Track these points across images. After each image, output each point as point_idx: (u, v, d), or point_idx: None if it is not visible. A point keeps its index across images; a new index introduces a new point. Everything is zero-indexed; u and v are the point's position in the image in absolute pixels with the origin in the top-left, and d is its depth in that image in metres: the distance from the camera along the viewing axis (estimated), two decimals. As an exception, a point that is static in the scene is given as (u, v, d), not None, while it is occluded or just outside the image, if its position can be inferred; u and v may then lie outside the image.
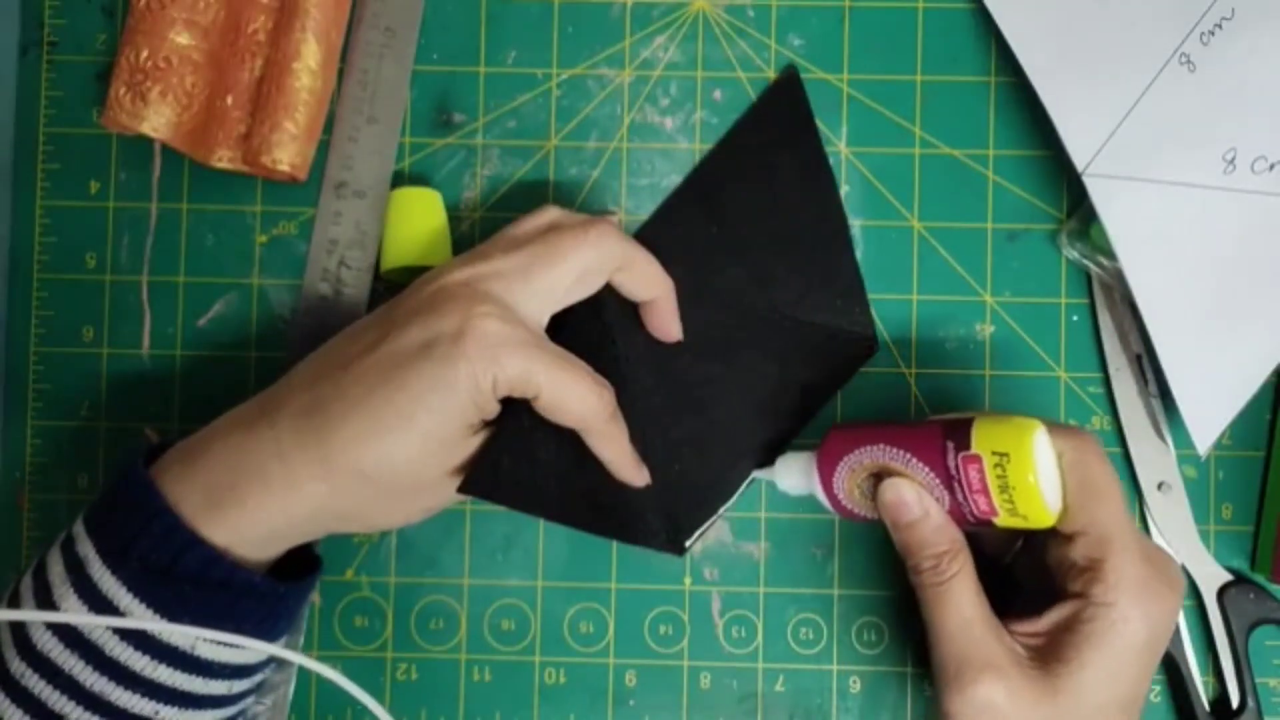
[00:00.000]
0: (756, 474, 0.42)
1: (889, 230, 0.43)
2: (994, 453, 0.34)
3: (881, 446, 0.36)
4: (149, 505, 0.34)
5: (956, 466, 0.34)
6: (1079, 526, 0.34)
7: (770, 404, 0.42)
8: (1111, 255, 0.40)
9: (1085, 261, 0.42)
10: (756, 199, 0.43)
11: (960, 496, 0.35)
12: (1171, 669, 0.42)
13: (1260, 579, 0.42)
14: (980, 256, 0.43)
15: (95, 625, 0.33)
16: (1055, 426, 0.35)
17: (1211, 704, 0.42)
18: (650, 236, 0.43)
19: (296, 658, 0.34)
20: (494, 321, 0.34)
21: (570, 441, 0.37)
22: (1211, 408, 0.40)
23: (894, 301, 0.43)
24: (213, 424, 0.36)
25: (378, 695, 0.43)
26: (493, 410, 0.35)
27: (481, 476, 0.36)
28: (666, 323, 0.40)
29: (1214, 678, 0.42)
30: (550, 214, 0.38)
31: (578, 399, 0.35)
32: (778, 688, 0.43)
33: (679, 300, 0.40)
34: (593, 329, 0.39)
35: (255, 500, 0.34)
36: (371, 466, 0.34)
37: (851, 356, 0.43)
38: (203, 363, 0.43)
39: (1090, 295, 0.43)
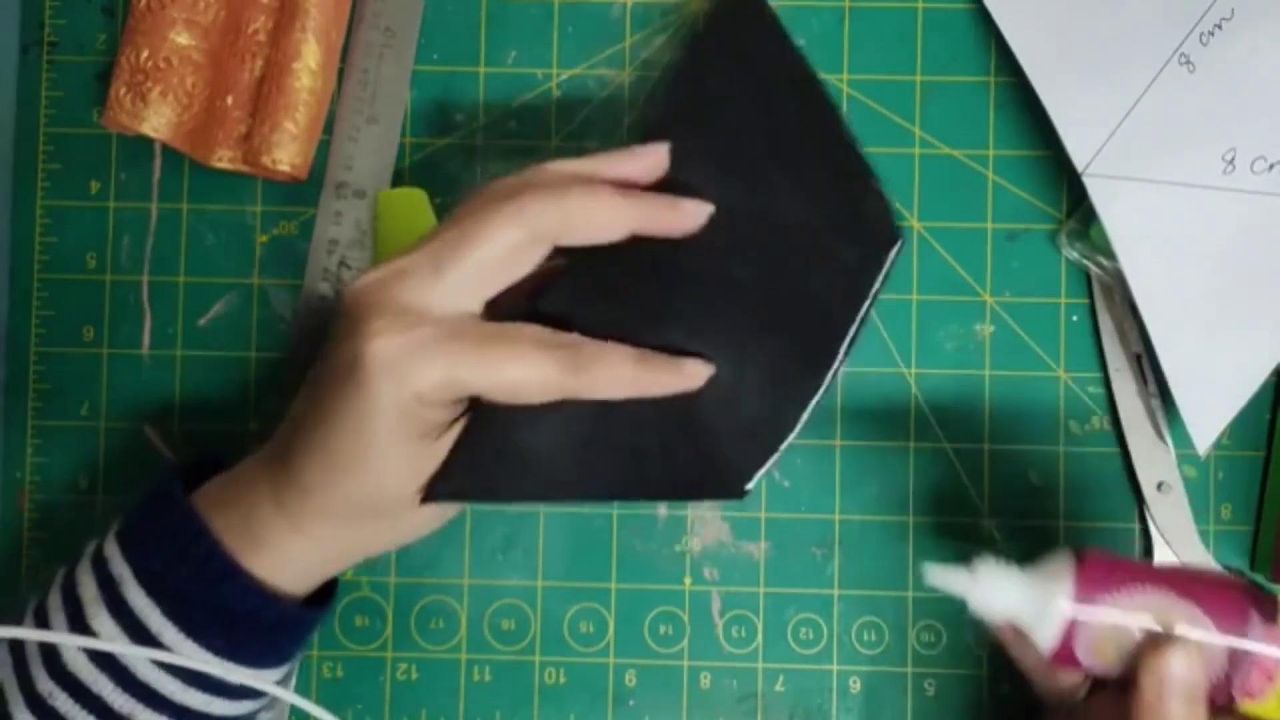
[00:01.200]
0: (935, 579, 0.33)
1: (889, 230, 0.43)
2: None
3: (1165, 592, 0.31)
4: (188, 530, 0.33)
5: (1258, 639, 0.31)
6: None
7: (812, 315, 0.37)
8: (1111, 255, 0.40)
9: (1085, 261, 0.42)
10: (741, 105, 0.37)
11: (1240, 670, 0.31)
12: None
13: (1260, 579, 0.42)
14: (980, 256, 0.43)
15: (134, 655, 0.33)
16: None
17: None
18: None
19: (294, 699, 0.33)
20: (385, 339, 0.30)
21: (572, 405, 0.33)
22: (1211, 408, 0.40)
23: (894, 301, 0.43)
24: (249, 457, 0.36)
25: (378, 695, 0.43)
26: (441, 415, 0.32)
27: (445, 480, 0.33)
28: (668, 228, 0.33)
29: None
30: (490, 185, 0.33)
31: (524, 377, 0.31)
32: (778, 688, 0.43)
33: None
34: (623, 255, 0.33)
35: (278, 544, 0.34)
36: (345, 505, 0.33)
37: (880, 252, 0.37)
38: (203, 363, 0.43)
39: (1090, 295, 0.43)
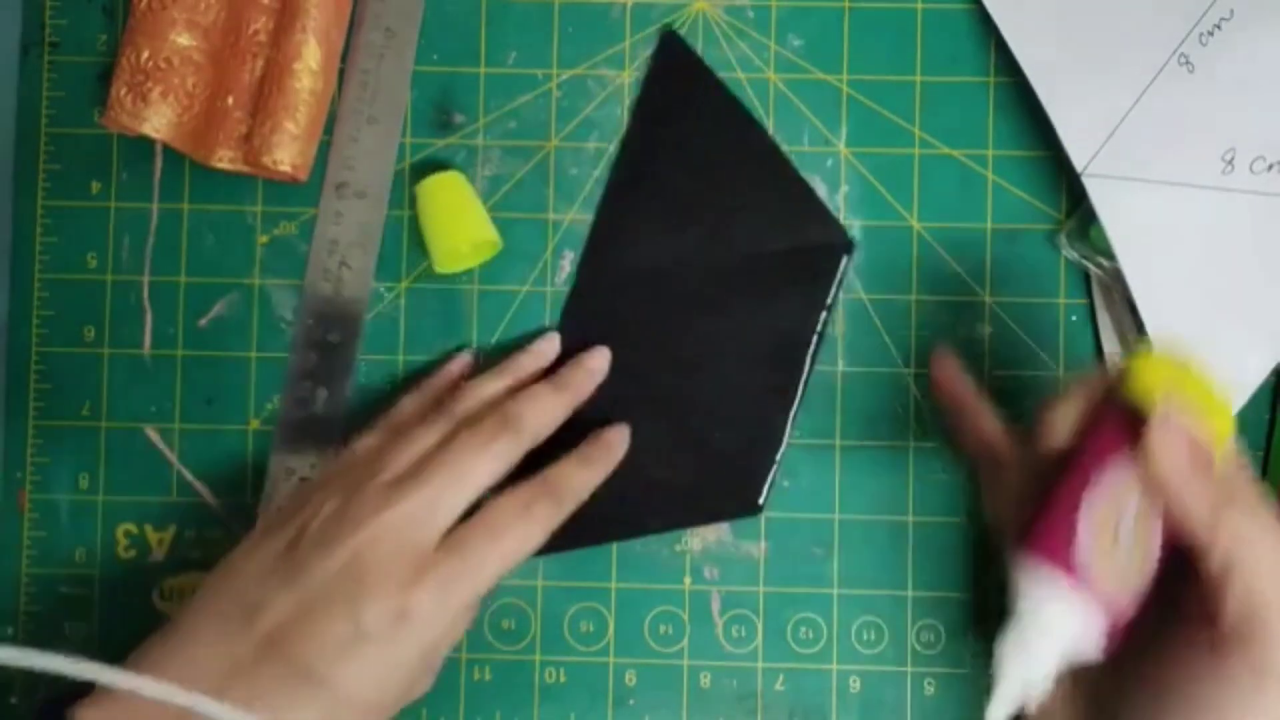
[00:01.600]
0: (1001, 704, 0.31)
1: (889, 230, 0.43)
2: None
3: (1095, 486, 0.31)
4: None
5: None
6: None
7: (773, 341, 0.43)
8: (1110, 255, 0.40)
9: (1084, 262, 0.42)
10: (686, 160, 0.43)
11: None
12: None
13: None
14: (980, 256, 0.43)
15: None
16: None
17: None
18: (602, 237, 0.43)
19: None
20: (426, 594, 0.34)
21: None
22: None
23: (894, 301, 0.43)
24: (131, 697, 0.31)
25: (378, 695, 0.43)
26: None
27: None
28: (592, 386, 0.41)
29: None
30: (415, 403, 0.40)
31: (526, 542, 0.36)
32: (778, 687, 0.43)
33: (653, 284, 0.42)
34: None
35: None
36: None
37: (832, 262, 0.43)
38: (204, 363, 0.43)
39: (1089, 295, 0.43)
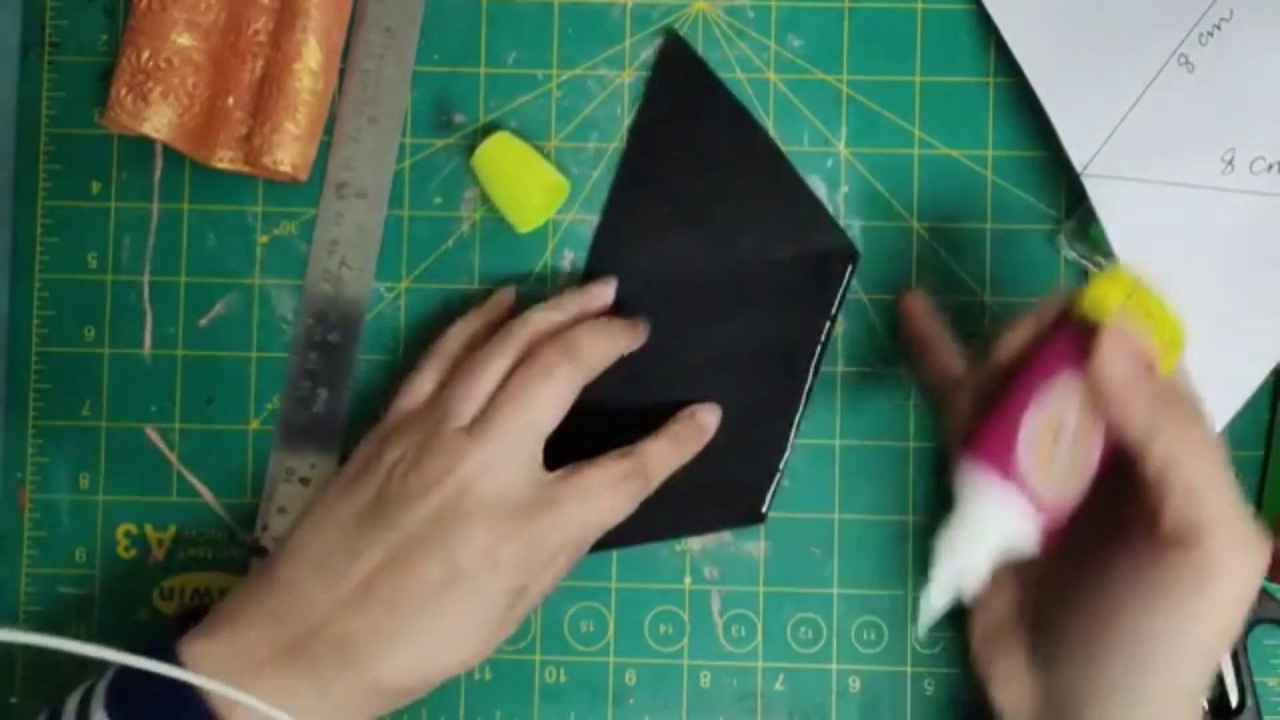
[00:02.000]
0: (929, 617, 0.34)
1: (889, 230, 0.43)
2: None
3: (1034, 400, 0.32)
4: (195, 715, 0.33)
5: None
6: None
7: (777, 349, 0.42)
8: (1110, 255, 0.40)
9: (1084, 262, 0.42)
10: (690, 166, 0.43)
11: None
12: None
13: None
14: (979, 256, 0.43)
15: None
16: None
17: (1211, 704, 0.42)
18: (606, 238, 0.43)
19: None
20: (518, 543, 0.35)
21: None
22: (1210, 407, 0.40)
23: (894, 301, 0.43)
24: (237, 635, 0.35)
25: (378, 695, 0.43)
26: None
27: None
28: (636, 344, 0.41)
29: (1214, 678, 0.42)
30: (462, 335, 0.40)
31: (610, 519, 0.37)
32: (777, 687, 0.43)
33: (658, 290, 0.42)
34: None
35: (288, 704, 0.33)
36: (418, 684, 0.35)
37: (836, 271, 0.43)
38: (204, 363, 0.43)
39: (1089, 295, 0.43)
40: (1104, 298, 0.31)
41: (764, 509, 0.42)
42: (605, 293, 0.42)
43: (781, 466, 0.43)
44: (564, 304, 0.41)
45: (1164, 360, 0.32)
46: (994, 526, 0.32)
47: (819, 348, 0.42)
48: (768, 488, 0.42)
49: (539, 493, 0.36)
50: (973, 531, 0.32)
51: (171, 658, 0.34)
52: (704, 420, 0.41)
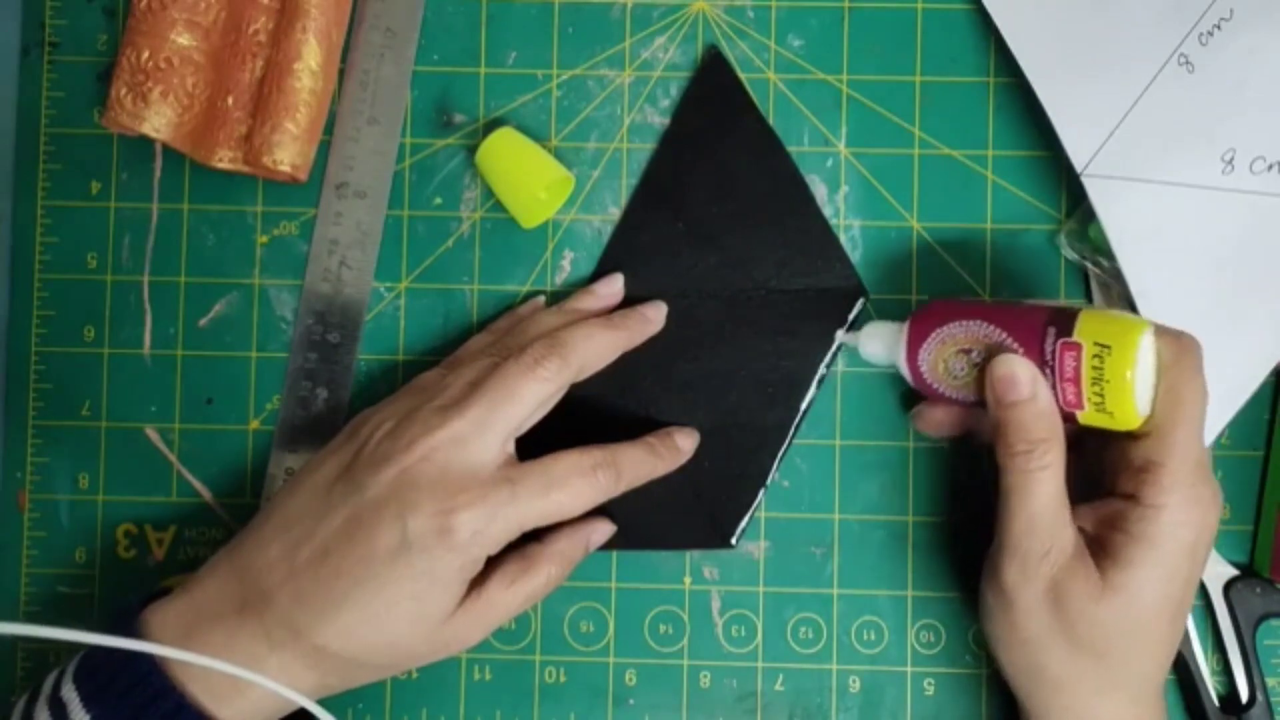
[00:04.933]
0: (841, 338, 0.42)
1: (889, 230, 0.43)
2: (1096, 343, 0.34)
3: (978, 322, 0.36)
4: (153, 683, 0.34)
5: (1053, 352, 0.34)
6: (1150, 429, 0.34)
7: (775, 378, 0.42)
8: (1110, 255, 0.40)
9: (1084, 261, 0.42)
10: (713, 184, 0.43)
11: (1050, 384, 0.35)
12: (1180, 665, 0.42)
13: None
14: (980, 256, 0.43)
15: None
16: (1163, 330, 0.35)
17: (1221, 699, 0.42)
18: (620, 247, 0.43)
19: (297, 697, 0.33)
20: (472, 512, 0.35)
21: None
22: (1210, 407, 0.40)
23: (894, 301, 0.43)
24: (197, 594, 0.36)
25: (379, 694, 0.43)
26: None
27: None
28: (645, 336, 0.42)
29: (1222, 673, 0.42)
30: (482, 342, 0.40)
31: (574, 505, 0.37)
32: (777, 687, 0.43)
33: (672, 304, 0.42)
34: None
35: (256, 690, 0.34)
36: (363, 652, 0.35)
37: (842, 309, 0.43)
38: (204, 363, 0.43)
39: (1089, 295, 0.43)
40: (1087, 327, 0.35)
41: (734, 540, 0.42)
42: (612, 291, 0.42)
43: (759, 499, 0.42)
44: (565, 308, 0.41)
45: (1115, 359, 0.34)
46: (880, 351, 0.40)
47: (815, 383, 0.42)
48: (742, 516, 0.42)
49: (503, 471, 0.36)
50: (869, 343, 0.40)
51: (132, 624, 0.35)
52: (680, 442, 0.41)
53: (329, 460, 0.37)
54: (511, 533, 0.36)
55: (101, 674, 0.34)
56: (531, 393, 0.37)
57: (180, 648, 0.33)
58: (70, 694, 0.34)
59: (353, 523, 0.35)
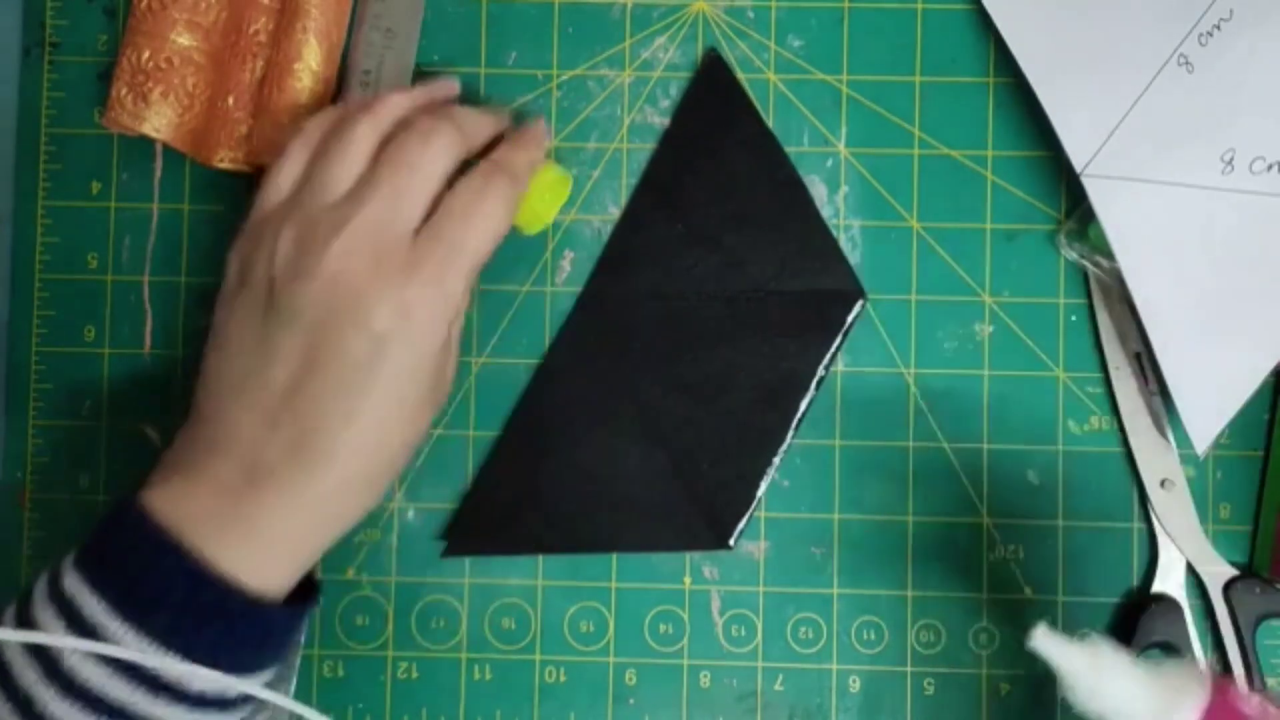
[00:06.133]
0: (1044, 646, 0.30)
1: (888, 230, 0.43)
2: None
3: None
4: (151, 539, 0.32)
5: None
6: None
7: (774, 379, 0.42)
8: (1110, 255, 0.40)
9: (1084, 261, 0.42)
10: (712, 186, 0.43)
11: None
12: (1177, 667, 0.42)
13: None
14: (979, 256, 0.43)
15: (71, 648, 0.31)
16: None
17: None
18: (618, 249, 0.43)
19: (284, 702, 0.32)
20: (425, 285, 0.34)
21: (581, 467, 0.42)
22: (1210, 408, 0.40)
23: (893, 301, 0.43)
24: (193, 475, 0.34)
25: (378, 694, 0.43)
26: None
27: (464, 540, 0.42)
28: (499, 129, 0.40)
29: (1222, 673, 0.42)
30: (362, 131, 0.36)
31: (497, 218, 0.36)
32: (777, 687, 0.43)
33: (662, 303, 0.42)
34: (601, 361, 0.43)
35: (279, 545, 0.33)
36: (384, 465, 0.35)
37: (841, 312, 0.43)
38: (204, 362, 0.43)
39: (1089, 295, 0.43)
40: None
41: (731, 541, 0.42)
42: (450, 87, 0.40)
43: (757, 499, 0.42)
44: (413, 94, 0.38)
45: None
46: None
47: (813, 385, 0.42)
48: (740, 518, 0.42)
49: (421, 237, 0.35)
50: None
51: (135, 515, 0.33)
52: (535, 128, 0.40)
53: (239, 308, 0.35)
54: (462, 280, 0.35)
55: (111, 562, 0.32)
56: (432, 160, 0.35)
57: (215, 536, 0.32)
58: (75, 584, 0.32)
59: (311, 349, 0.33)
